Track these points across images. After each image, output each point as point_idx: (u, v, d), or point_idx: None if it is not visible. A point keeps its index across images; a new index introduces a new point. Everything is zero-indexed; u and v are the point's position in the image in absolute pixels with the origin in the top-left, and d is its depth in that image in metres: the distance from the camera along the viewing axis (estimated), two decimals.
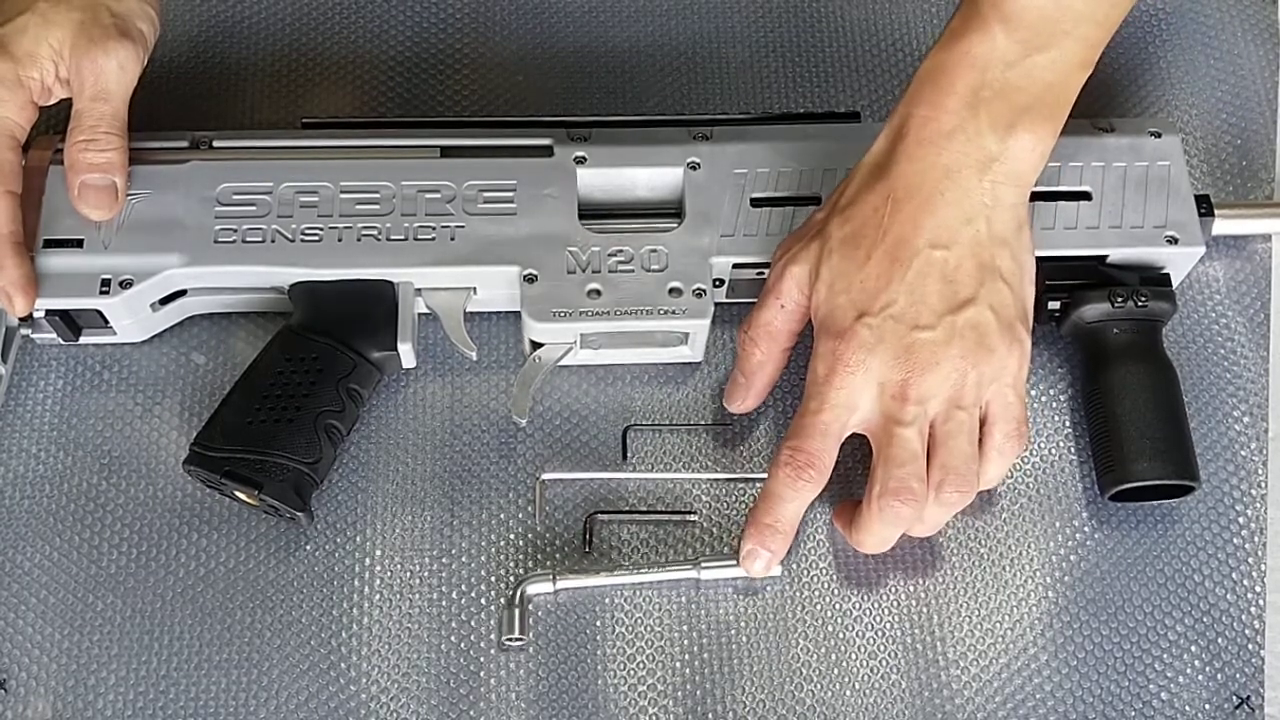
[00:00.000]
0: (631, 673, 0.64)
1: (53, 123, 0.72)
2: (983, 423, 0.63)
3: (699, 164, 0.70)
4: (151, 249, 0.66)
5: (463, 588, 0.66)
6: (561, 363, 0.68)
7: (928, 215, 0.61)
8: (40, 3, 0.64)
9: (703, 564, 0.65)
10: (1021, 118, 0.60)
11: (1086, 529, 0.68)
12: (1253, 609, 0.66)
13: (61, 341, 0.69)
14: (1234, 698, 0.65)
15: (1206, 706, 0.64)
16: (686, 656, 0.65)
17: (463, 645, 0.64)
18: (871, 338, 0.61)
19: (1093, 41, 0.61)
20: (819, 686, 0.64)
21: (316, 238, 0.67)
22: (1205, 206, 0.71)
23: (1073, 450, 0.70)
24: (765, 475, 0.66)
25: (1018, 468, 0.69)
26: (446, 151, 0.70)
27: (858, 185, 0.63)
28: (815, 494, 0.63)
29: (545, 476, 0.68)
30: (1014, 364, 0.62)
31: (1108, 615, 0.66)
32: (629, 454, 0.69)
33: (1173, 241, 0.69)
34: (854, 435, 0.63)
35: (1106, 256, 0.69)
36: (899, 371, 0.61)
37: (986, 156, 0.61)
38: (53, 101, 0.66)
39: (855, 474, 0.68)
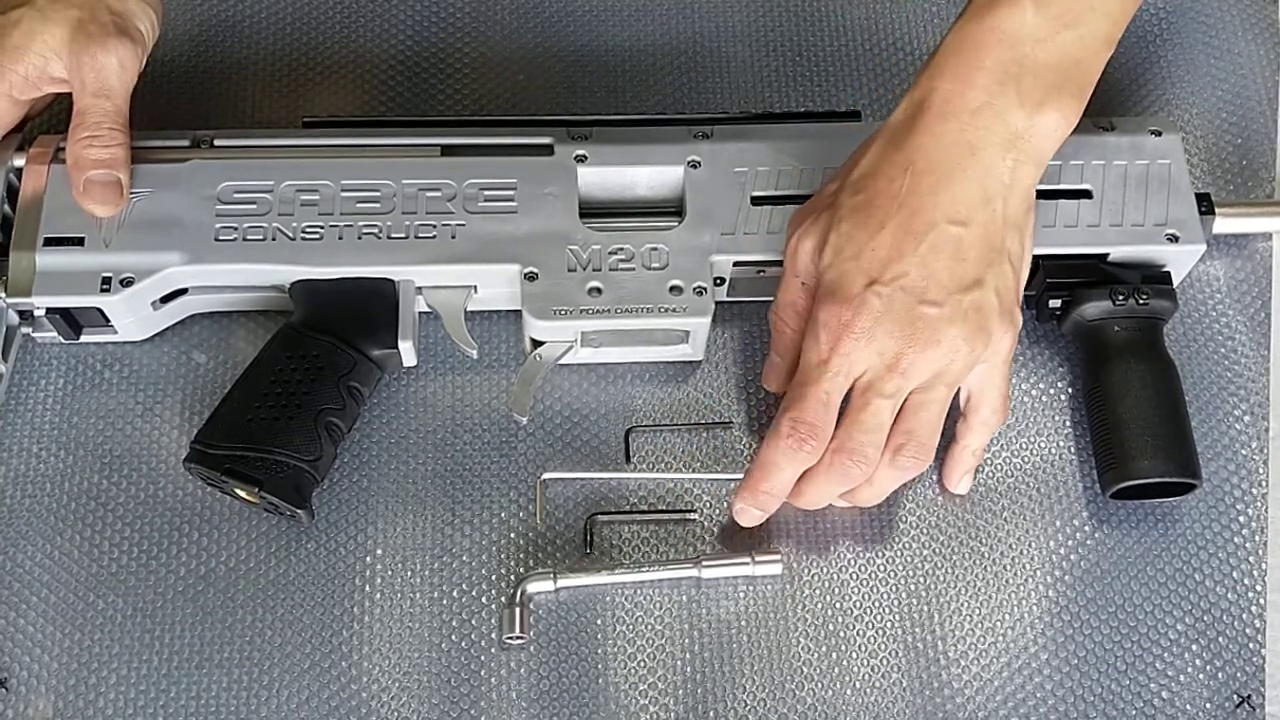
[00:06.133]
0: (632, 671, 0.64)
1: (53, 123, 0.72)
2: (968, 396, 0.63)
3: (699, 162, 0.70)
4: (152, 247, 0.66)
5: (463, 586, 0.66)
6: (562, 361, 0.68)
7: (947, 190, 0.60)
8: None
9: (703, 563, 0.65)
10: (1050, 95, 0.60)
11: (1087, 527, 0.68)
12: (1253, 608, 0.66)
13: (62, 340, 0.69)
14: (1235, 696, 0.65)
15: (1207, 705, 0.64)
16: (687, 655, 0.65)
17: (463, 644, 0.64)
18: (881, 306, 0.60)
19: (1117, 18, 0.61)
20: (819, 685, 0.64)
21: (317, 236, 0.67)
22: (1206, 205, 0.71)
23: (1073, 448, 0.70)
24: None
25: (1018, 466, 0.69)
26: (447, 150, 0.70)
27: (873, 157, 0.63)
28: (813, 462, 0.62)
29: (546, 476, 0.68)
30: (1005, 347, 0.62)
31: (1108, 614, 0.66)
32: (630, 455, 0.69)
33: (1173, 240, 0.69)
34: None
35: (1107, 255, 0.69)
36: (899, 344, 0.60)
37: (1012, 134, 0.60)
38: (38, 96, 0.66)
39: None
